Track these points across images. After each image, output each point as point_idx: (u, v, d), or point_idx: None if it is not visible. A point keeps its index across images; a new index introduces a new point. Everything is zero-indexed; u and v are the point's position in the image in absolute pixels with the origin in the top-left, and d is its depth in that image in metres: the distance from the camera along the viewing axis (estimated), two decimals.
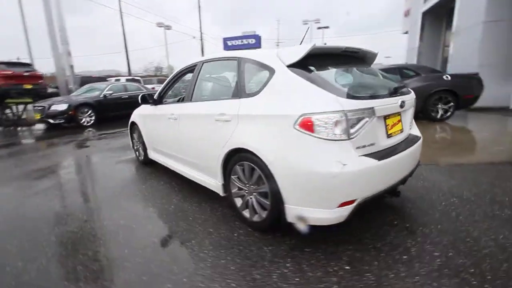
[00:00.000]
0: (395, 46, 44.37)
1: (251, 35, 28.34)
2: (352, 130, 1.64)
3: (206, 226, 2.20)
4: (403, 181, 2.03)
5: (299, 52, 1.83)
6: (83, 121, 8.02)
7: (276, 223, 1.92)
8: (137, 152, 4.18)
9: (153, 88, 13.24)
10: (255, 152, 1.87)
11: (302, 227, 1.77)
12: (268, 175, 1.83)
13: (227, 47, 29.71)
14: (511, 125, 6.11)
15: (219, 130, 2.22)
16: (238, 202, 2.22)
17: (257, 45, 28.49)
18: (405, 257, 1.72)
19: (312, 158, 1.63)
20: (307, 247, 1.86)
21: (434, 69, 7.13)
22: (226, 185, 2.29)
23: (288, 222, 1.81)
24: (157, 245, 1.98)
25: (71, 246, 2.02)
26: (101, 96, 8.55)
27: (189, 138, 2.67)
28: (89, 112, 8.16)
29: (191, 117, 2.61)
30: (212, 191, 2.51)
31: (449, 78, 5.97)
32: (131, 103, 9.60)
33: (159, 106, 3.31)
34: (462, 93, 5.94)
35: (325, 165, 1.60)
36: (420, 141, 2.20)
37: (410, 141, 2.12)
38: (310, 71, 1.84)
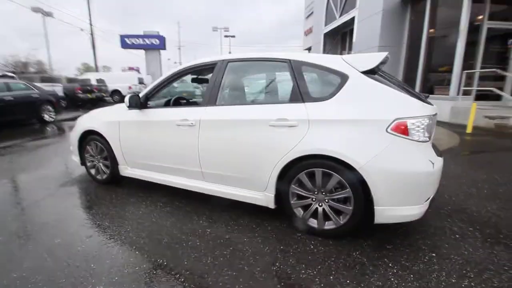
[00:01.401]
0: None
1: (154, 35, 26.33)
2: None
3: (273, 245, 1.97)
4: None
5: (373, 60, 1.93)
6: None
7: (356, 227, 1.94)
8: (92, 170, 3.22)
9: None
10: (339, 157, 1.83)
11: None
12: (354, 180, 1.83)
13: (125, 45, 26.54)
14: None
15: (276, 136, 2.04)
16: (299, 212, 2.10)
17: (161, 46, 26.73)
18: (458, 235, 2.07)
19: (410, 159, 1.76)
20: (386, 244, 1.96)
21: None
22: (283, 196, 2.12)
23: (375, 224, 1.87)
24: (243, 278, 1.63)
25: None
26: None
27: (221, 148, 2.30)
28: None
29: (225, 123, 2.26)
30: (236, 205, 2.35)
31: None
32: (19, 107, 7.26)
33: (151, 111, 2.69)
34: None
35: (423, 165, 1.76)
36: None
37: None
38: (380, 77, 1.98)
